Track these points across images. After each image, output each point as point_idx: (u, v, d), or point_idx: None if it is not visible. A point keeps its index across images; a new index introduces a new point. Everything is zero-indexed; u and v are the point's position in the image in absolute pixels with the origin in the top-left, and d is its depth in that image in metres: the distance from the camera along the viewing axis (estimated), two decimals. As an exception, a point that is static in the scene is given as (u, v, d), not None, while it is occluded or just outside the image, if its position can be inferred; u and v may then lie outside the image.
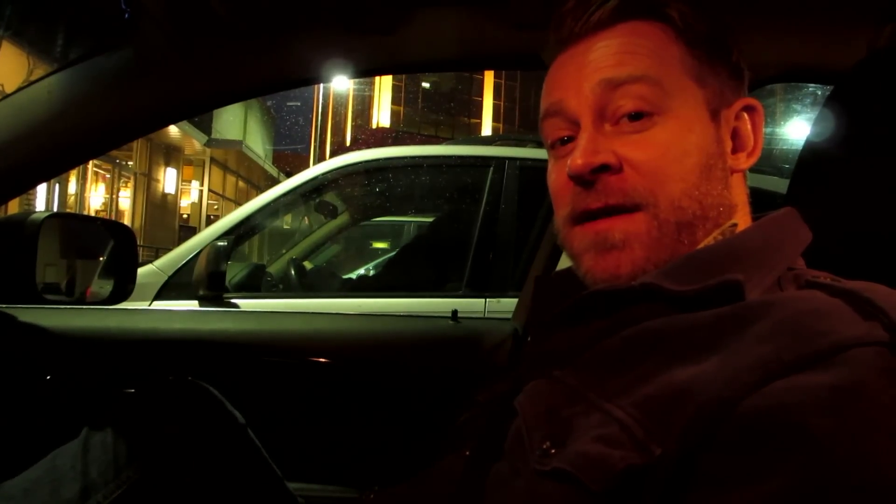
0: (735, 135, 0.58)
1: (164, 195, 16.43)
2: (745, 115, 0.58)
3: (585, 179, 0.54)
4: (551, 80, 0.60)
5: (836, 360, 0.37)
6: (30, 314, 1.15)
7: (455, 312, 1.36)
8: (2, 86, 8.69)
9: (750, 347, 0.40)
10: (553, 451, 0.44)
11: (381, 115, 39.02)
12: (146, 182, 15.16)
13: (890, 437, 0.34)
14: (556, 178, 0.59)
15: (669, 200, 0.53)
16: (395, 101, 39.24)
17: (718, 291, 0.46)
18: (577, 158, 0.54)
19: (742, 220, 0.57)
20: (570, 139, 0.57)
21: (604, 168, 0.53)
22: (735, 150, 0.57)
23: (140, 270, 1.41)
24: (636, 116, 0.54)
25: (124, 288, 1.11)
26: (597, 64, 0.55)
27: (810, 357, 0.38)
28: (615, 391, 0.44)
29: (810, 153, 0.68)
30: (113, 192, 14.43)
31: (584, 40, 0.57)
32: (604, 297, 0.51)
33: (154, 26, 0.88)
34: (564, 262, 0.81)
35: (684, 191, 0.53)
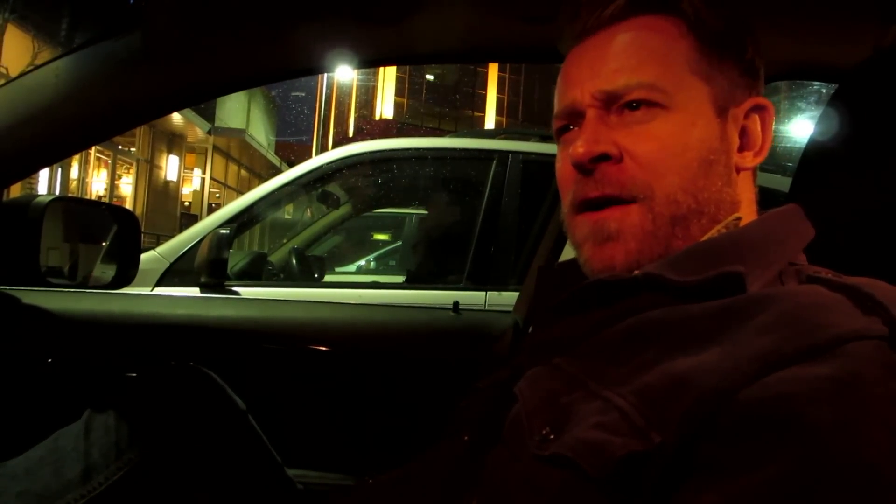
0: (743, 133, 0.58)
1: (167, 182, 16.42)
2: (755, 115, 0.58)
3: (586, 168, 0.55)
4: (564, 75, 0.61)
5: (835, 352, 0.38)
6: (33, 297, 1.16)
7: (456, 304, 1.36)
8: (6, 69, 8.68)
9: (750, 339, 0.41)
10: (552, 436, 0.44)
11: (385, 107, 38.94)
12: (148, 169, 15.15)
13: (886, 430, 0.35)
14: (561, 165, 0.60)
15: (665, 193, 0.53)
16: (398, 92, 39.17)
17: (720, 283, 0.47)
18: (579, 147, 0.55)
19: (747, 217, 0.57)
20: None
21: (604, 157, 0.54)
22: (742, 149, 0.58)
23: (142, 256, 1.41)
24: (640, 107, 0.54)
25: (127, 273, 1.12)
26: (605, 65, 0.56)
27: (810, 349, 0.38)
28: (615, 379, 0.44)
29: (814, 151, 0.68)
30: (114, 177, 14.42)
31: (597, 35, 0.58)
32: (605, 286, 0.52)
33: (161, 12, 0.88)
34: (567, 255, 0.82)
35: (680, 184, 0.54)
